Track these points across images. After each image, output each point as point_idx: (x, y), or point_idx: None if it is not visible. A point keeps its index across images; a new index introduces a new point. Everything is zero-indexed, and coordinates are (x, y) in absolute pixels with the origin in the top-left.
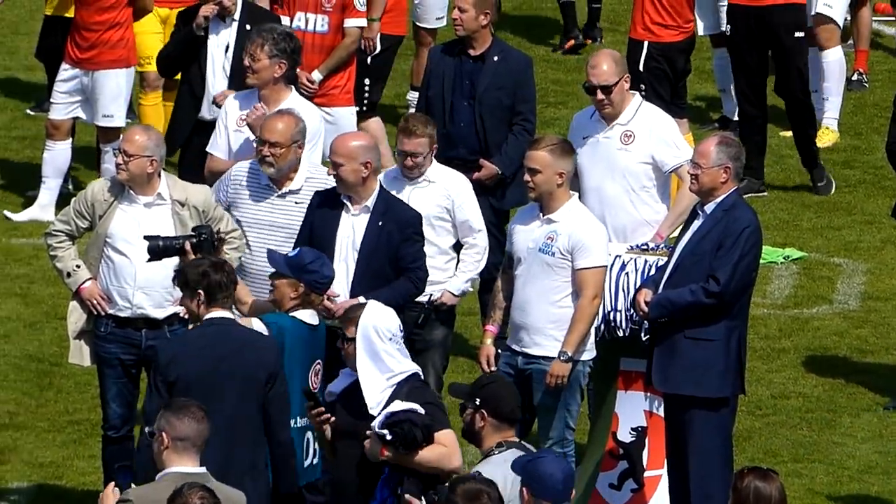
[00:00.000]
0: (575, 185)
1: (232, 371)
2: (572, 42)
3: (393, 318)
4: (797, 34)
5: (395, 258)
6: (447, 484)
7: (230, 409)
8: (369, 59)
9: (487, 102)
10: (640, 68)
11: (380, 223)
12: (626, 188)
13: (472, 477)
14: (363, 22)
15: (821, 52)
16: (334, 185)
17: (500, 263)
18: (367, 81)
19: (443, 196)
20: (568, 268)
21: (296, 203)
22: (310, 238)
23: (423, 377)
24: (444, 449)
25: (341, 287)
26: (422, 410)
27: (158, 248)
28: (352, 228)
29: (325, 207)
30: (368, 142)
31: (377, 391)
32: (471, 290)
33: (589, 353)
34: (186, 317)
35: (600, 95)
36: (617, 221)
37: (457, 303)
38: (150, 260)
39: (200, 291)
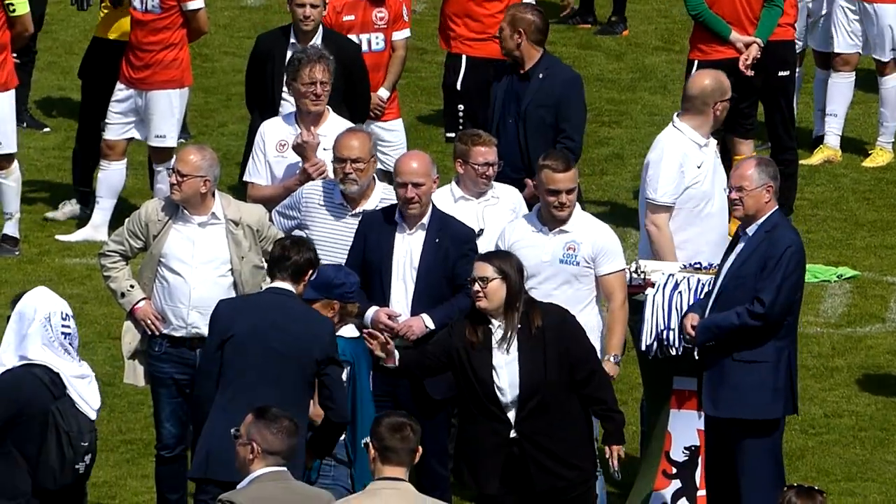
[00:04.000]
0: None
1: (283, 338)
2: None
3: None
4: (781, 73)
5: (451, 275)
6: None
7: (275, 375)
8: (459, 84)
9: (531, 120)
10: None
11: (437, 240)
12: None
13: (397, 411)
14: (408, 32)
15: (880, 78)
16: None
17: None
18: (460, 107)
19: (511, 210)
20: (591, 275)
21: None
22: (363, 259)
23: None
24: None
25: (401, 306)
26: None
27: None
28: (408, 247)
29: (378, 228)
30: (431, 158)
31: None
32: None
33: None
34: None
35: (721, 107)
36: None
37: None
38: None
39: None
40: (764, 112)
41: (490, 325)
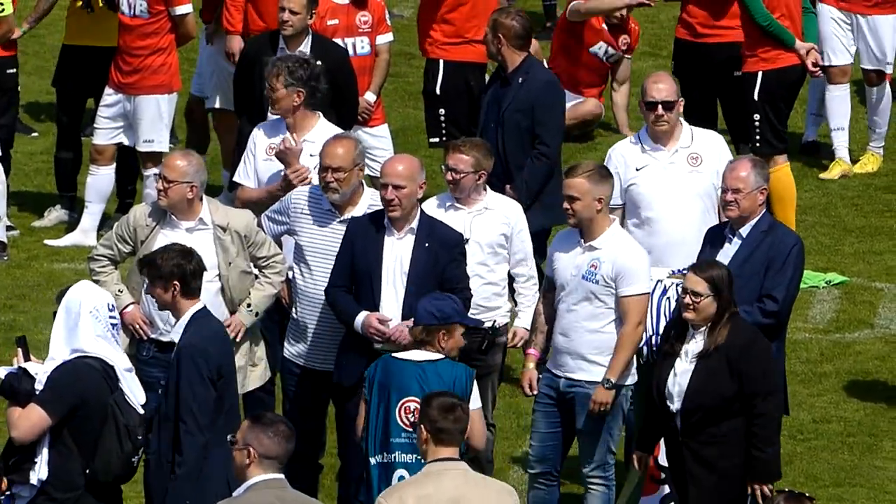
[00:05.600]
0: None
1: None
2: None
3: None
4: (737, 73)
5: (441, 279)
6: (422, 399)
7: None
8: (438, 89)
9: (509, 125)
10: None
11: (426, 244)
12: (704, 210)
13: (444, 392)
14: (391, 36)
15: (868, 88)
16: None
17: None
18: (441, 112)
19: (503, 223)
20: (611, 294)
21: None
22: (351, 264)
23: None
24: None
25: (392, 311)
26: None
27: None
28: (398, 252)
29: (366, 232)
30: (419, 161)
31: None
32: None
33: (632, 378)
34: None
35: (660, 111)
36: (694, 247)
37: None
38: None
39: (176, 282)
40: (722, 111)
41: (688, 334)
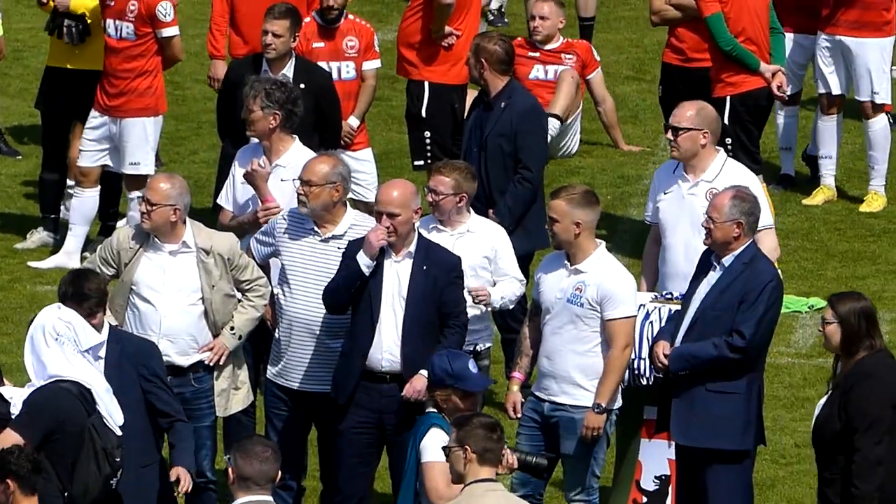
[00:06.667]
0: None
1: None
2: None
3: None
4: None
5: (439, 302)
6: (456, 420)
7: None
8: (424, 111)
9: (490, 149)
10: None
11: (424, 268)
12: None
13: (479, 413)
14: (379, 63)
15: (865, 122)
16: None
17: (517, 315)
18: (427, 134)
19: (486, 246)
20: (597, 318)
21: (338, 248)
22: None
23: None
24: None
25: (391, 333)
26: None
27: None
28: (396, 275)
29: None
30: (413, 187)
31: None
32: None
33: (617, 402)
34: (211, 364)
35: (669, 135)
36: None
37: (490, 302)
38: None
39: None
40: None
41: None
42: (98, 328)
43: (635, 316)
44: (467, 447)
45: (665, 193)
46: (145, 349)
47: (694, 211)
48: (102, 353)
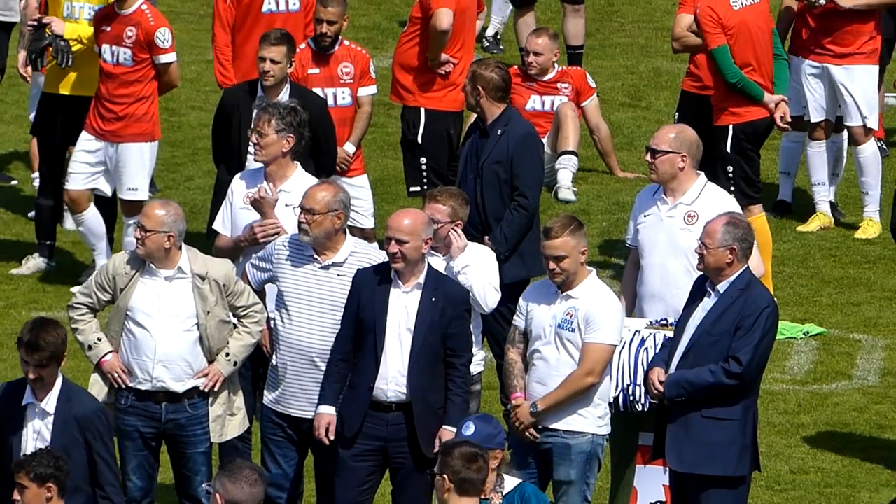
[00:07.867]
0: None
1: None
2: None
3: None
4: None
5: (445, 335)
6: (440, 449)
7: None
8: (420, 138)
9: (486, 176)
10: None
11: (433, 299)
12: (687, 268)
13: (465, 441)
14: (375, 89)
15: (855, 148)
16: (378, 260)
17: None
18: (423, 161)
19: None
20: None
21: (338, 276)
22: (357, 316)
23: None
24: None
25: (396, 364)
26: None
27: None
28: (404, 306)
29: (373, 284)
30: (426, 217)
31: None
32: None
33: (605, 428)
34: (206, 390)
35: (648, 157)
36: (676, 301)
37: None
38: None
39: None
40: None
41: None
42: (49, 380)
43: (613, 346)
44: (445, 476)
45: (645, 216)
46: (91, 413)
47: (671, 233)
48: (51, 408)
